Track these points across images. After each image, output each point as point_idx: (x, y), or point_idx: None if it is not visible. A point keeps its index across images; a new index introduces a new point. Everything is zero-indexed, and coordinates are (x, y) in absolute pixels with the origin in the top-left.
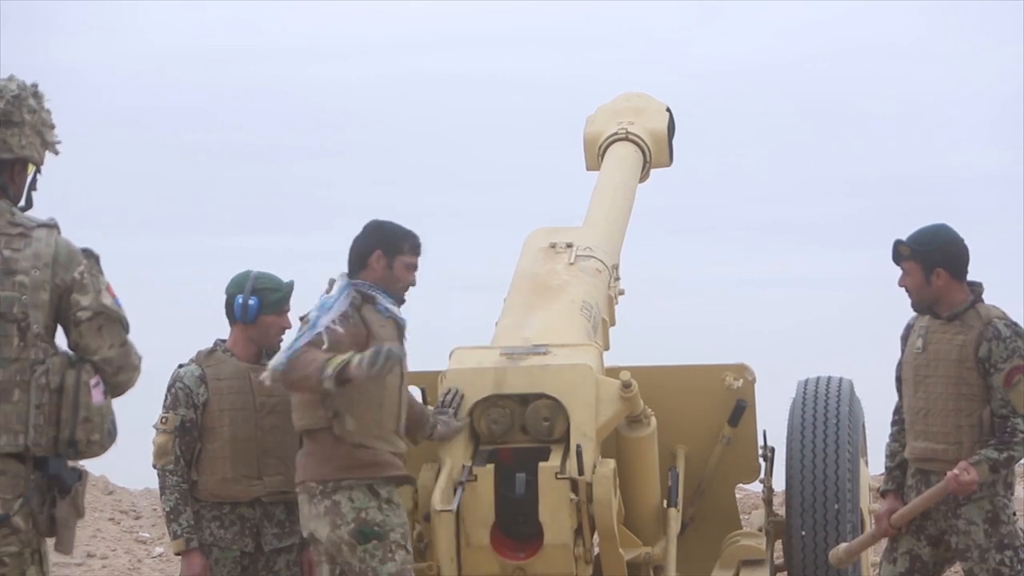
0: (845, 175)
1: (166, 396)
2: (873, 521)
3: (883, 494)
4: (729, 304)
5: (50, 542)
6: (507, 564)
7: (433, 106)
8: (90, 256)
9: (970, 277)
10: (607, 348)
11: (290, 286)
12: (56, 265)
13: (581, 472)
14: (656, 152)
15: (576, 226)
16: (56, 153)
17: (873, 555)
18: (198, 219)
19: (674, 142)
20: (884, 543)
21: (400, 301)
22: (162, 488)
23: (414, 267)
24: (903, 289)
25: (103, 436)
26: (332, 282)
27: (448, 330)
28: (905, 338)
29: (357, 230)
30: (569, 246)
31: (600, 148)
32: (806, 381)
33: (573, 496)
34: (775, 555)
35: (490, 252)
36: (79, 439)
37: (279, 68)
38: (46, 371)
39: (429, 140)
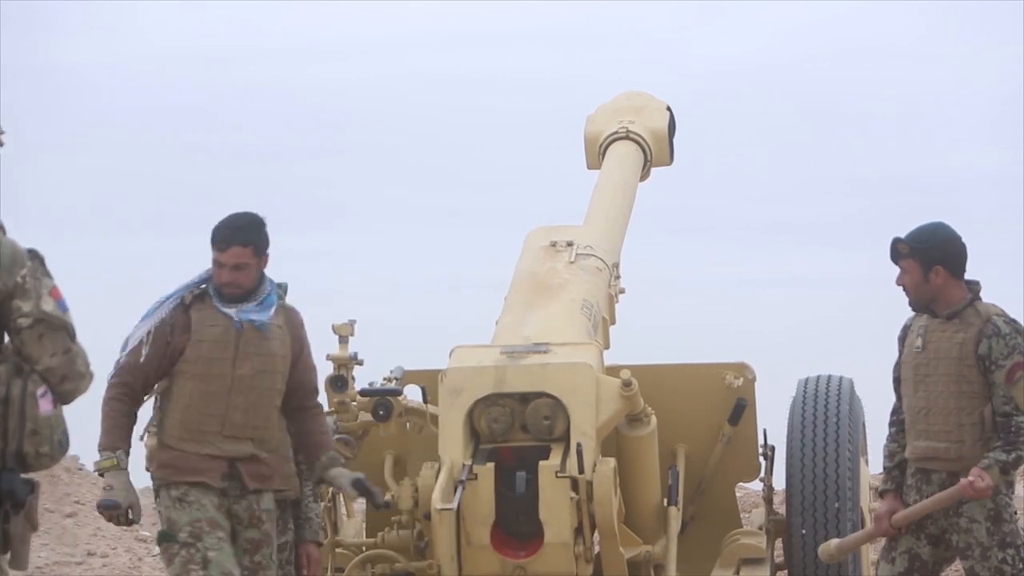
0: (845, 175)
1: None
2: (872, 520)
3: (882, 494)
4: (729, 304)
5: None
6: (507, 563)
7: (433, 106)
8: (35, 258)
9: (968, 276)
10: (607, 347)
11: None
12: None
13: (581, 471)
14: (657, 151)
15: (576, 225)
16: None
17: (873, 554)
18: (198, 219)
19: (674, 141)
20: (880, 542)
21: (234, 299)
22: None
23: (218, 264)
24: (900, 288)
25: (53, 448)
26: None
27: (448, 329)
28: (902, 339)
29: (357, 230)
30: (569, 244)
31: (601, 147)
32: (806, 380)
33: (573, 495)
34: (775, 554)
35: (490, 252)
36: (27, 452)
37: (279, 68)
38: None
39: (429, 140)
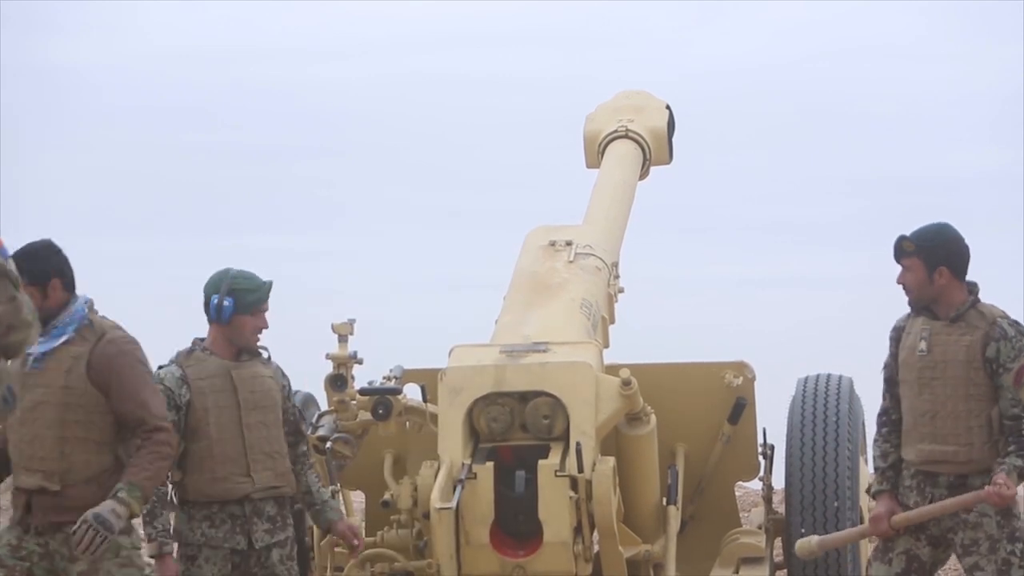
0: (845, 175)
1: None
2: (868, 521)
3: (876, 495)
4: (729, 304)
5: None
6: (507, 562)
7: (433, 106)
8: None
9: (967, 277)
10: (607, 346)
11: (268, 286)
12: None
13: (581, 470)
14: (656, 150)
15: (576, 224)
16: None
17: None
18: (198, 219)
19: (674, 140)
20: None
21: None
22: None
23: None
24: (900, 286)
25: None
26: None
27: (448, 329)
28: (896, 339)
29: (357, 230)
30: (569, 244)
31: (600, 146)
32: (806, 379)
33: (573, 494)
34: (775, 553)
35: (490, 252)
36: None
37: (279, 68)
38: None
39: (429, 140)
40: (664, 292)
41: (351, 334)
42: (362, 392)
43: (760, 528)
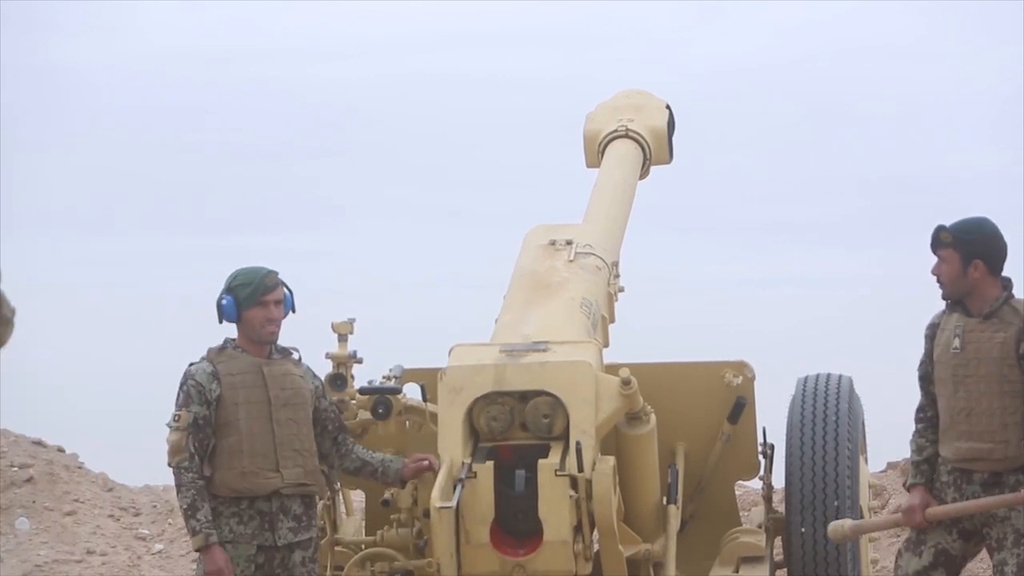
0: (845, 175)
1: (178, 394)
2: (901, 511)
3: (911, 487)
4: (729, 303)
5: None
6: (507, 561)
7: (433, 106)
8: None
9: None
10: (607, 345)
11: (261, 275)
12: None
13: (581, 469)
14: (656, 149)
15: (576, 223)
16: None
17: (873, 552)
18: (198, 219)
19: (674, 139)
20: (877, 537)
21: None
22: (178, 486)
23: None
24: (935, 278)
25: None
26: None
27: (448, 329)
28: (931, 336)
29: (357, 230)
30: (569, 243)
31: (600, 145)
32: (805, 378)
33: (573, 493)
34: (775, 552)
35: (490, 251)
36: None
37: (279, 68)
38: None
39: (429, 140)
40: (664, 291)
41: (351, 333)
42: (362, 391)
43: (760, 527)
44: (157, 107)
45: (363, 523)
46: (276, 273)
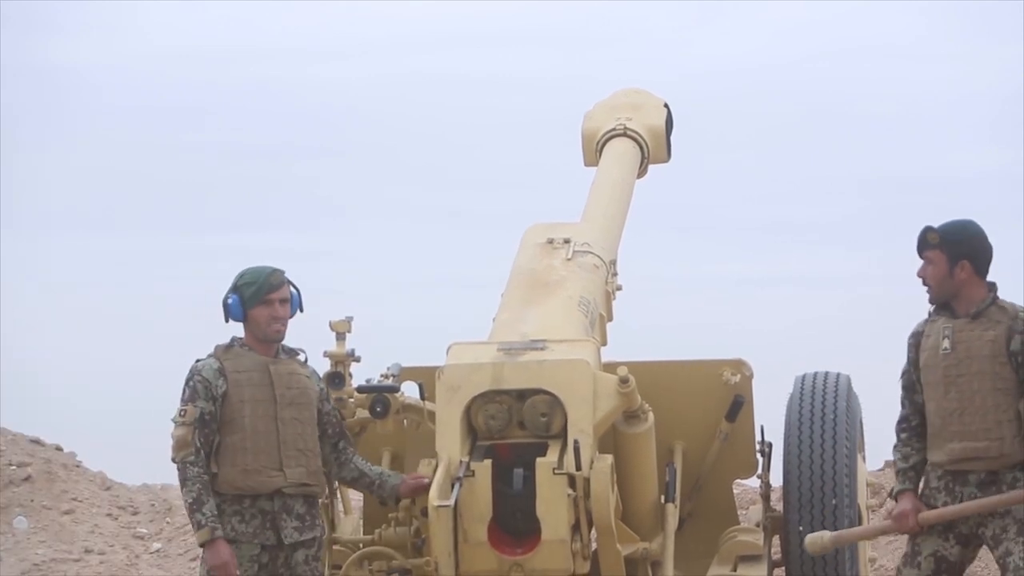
0: (845, 175)
1: (184, 389)
2: (890, 518)
3: (899, 494)
4: (729, 303)
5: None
6: (505, 560)
7: (433, 106)
8: None
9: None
10: (604, 343)
11: (266, 274)
12: None
13: (578, 468)
14: (654, 148)
15: (574, 222)
16: None
17: (872, 550)
18: (198, 219)
19: (672, 138)
20: (878, 541)
21: None
22: (183, 480)
23: None
24: (920, 280)
25: None
26: None
27: (449, 329)
28: (915, 345)
29: (357, 230)
30: (567, 242)
31: (598, 144)
32: (803, 377)
33: (571, 492)
34: (773, 551)
35: (490, 251)
36: None
37: (279, 68)
38: None
39: (429, 140)
40: (663, 290)
41: (349, 332)
42: (360, 390)
43: (758, 526)
44: (157, 107)
45: (361, 522)
46: (282, 272)
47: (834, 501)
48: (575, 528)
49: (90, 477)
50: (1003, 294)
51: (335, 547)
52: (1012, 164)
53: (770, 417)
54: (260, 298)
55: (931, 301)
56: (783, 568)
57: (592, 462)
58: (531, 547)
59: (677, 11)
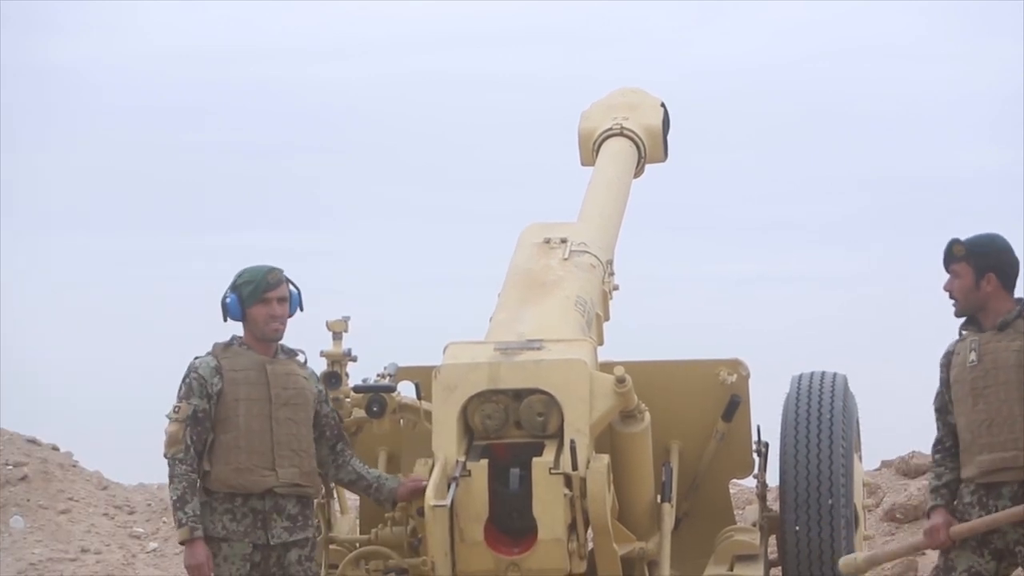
0: (845, 175)
1: (180, 386)
2: (924, 535)
3: (931, 510)
4: (729, 302)
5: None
6: (501, 559)
7: (433, 106)
8: None
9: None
10: (601, 343)
11: (264, 273)
12: None
13: (575, 467)
14: (651, 147)
15: (570, 221)
16: None
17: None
18: (198, 218)
19: (669, 137)
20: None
21: None
22: (170, 477)
23: None
24: (947, 294)
25: None
26: None
27: (448, 328)
28: (947, 365)
29: (357, 229)
30: (563, 241)
31: (595, 144)
32: (800, 376)
33: (567, 491)
34: (769, 550)
35: (490, 251)
36: None
37: (279, 68)
38: None
39: (429, 140)
40: (663, 290)
41: (346, 331)
42: (356, 389)
43: (754, 525)
44: (157, 107)
45: (357, 521)
46: (280, 271)
47: (830, 501)
48: (571, 528)
49: (86, 477)
50: None
51: (331, 547)
52: (1012, 164)
53: (767, 417)
54: (258, 297)
55: (957, 314)
56: (779, 568)
57: (588, 462)
58: (527, 547)
59: (677, 11)
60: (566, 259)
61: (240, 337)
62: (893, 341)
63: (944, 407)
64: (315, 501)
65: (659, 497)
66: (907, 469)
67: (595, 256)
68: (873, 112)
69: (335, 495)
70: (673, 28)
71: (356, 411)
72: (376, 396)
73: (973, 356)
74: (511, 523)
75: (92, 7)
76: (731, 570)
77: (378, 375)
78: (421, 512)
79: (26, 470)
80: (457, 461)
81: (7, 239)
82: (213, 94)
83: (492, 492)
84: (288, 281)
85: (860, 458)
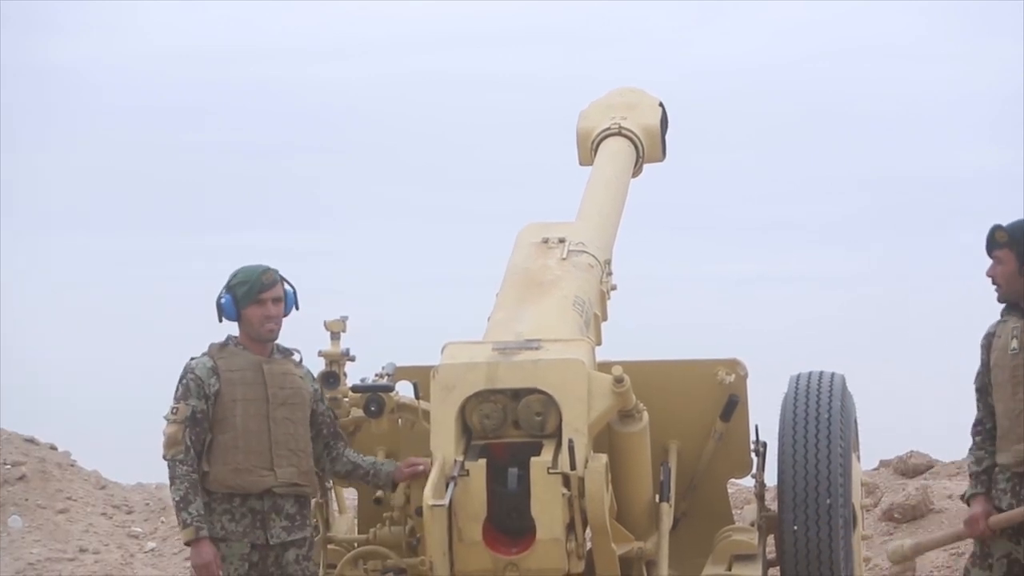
0: (845, 175)
1: (177, 387)
2: (964, 523)
3: (971, 498)
4: (728, 302)
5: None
6: (499, 559)
7: (433, 106)
8: None
9: None
10: (599, 343)
11: (259, 273)
12: None
13: (573, 467)
14: (649, 147)
15: (568, 221)
16: None
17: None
18: (198, 219)
19: (667, 137)
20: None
21: None
22: (172, 478)
23: None
24: (990, 279)
25: None
26: None
27: (448, 328)
28: (987, 346)
29: (356, 229)
30: (561, 241)
31: (593, 143)
32: (798, 376)
33: (565, 491)
34: (767, 550)
35: (489, 251)
36: None
37: (279, 68)
38: None
39: (429, 140)
40: (662, 290)
41: (344, 331)
42: (354, 389)
43: (753, 525)
44: (157, 107)
45: (356, 521)
46: (274, 271)
47: (828, 500)
48: (570, 527)
49: (85, 476)
50: None
51: (330, 546)
52: (1012, 164)
53: (766, 416)
54: (253, 297)
55: (999, 299)
56: (778, 567)
57: (587, 461)
58: (526, 546)
59: (677, 11)
60: (564, 259)
61: (236, 337)
62: (893, 341)
63: (984, 387)
64: (313, 501)
65: (657, 497)
66: (905, 469)
67: (593, 256)
68: (873, 112)
69: (333, 494)
70: (673, 28)
71: (354, 411)
72: (374, 396)
73: (1015, 343)
74: (509, 523)
75: (92, 7)
76: (729, 570)
77: (376, 375)
78: (419, 512)
79: (24, 469)
80: (455, 461)
81: (7, 239)
82: (213, 94)
83: (490, 492)
84: (283, 280)
85: (858, 458)
